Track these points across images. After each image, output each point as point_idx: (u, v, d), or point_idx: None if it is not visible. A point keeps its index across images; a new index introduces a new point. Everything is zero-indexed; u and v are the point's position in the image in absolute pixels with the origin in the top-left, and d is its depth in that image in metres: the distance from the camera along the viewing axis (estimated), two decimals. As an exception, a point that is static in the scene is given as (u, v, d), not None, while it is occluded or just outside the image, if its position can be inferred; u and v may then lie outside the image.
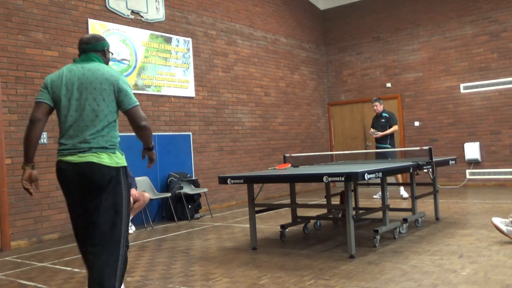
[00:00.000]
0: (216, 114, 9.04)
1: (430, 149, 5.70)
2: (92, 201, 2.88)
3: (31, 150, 3.04)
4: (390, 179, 9.04)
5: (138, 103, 3.07)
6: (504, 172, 9.87)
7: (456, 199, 8.14)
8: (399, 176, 8.55)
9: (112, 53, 3.30)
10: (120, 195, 2.93)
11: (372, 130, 8.69)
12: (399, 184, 8.09)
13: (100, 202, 2.86)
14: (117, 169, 2.93)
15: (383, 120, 8.71)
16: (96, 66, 2.99)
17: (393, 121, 8.69)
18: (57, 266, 4.84)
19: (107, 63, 3.14)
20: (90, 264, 2.83)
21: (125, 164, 3.03)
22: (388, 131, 8.57)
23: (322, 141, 11.96)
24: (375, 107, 8.77)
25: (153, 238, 6.19)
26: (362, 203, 7.74)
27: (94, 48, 3.08)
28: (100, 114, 2.93)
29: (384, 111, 8.80)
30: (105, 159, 2.90)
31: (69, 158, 2.91)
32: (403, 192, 8.64)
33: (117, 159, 2.96)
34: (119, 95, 2.98)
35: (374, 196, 8.93)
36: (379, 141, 8.68)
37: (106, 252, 2.81)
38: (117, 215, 2.89)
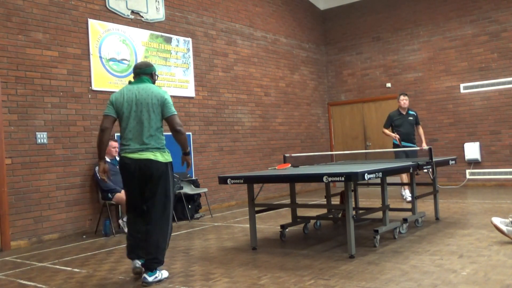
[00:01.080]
0: (216, 114, 9.04)
1: (430, 149, 5.70)
2: (150, 189, 3.95)
3: (103, 150, 4.06)
4: (396, 179, 9.00)
5: (176, 113, 4.09)
6: (504, 172, 9.87)
7: (456, 199, 8.14)
8: (404, 176, 8.13)
9: (157, 76, 4.37)
10: (168, 184, 4.01)
11: (396, 136, 8.01)
12: (403, 185, 7.93)
13: (156, 190, 3.95)
14: (166, 164, 4.02)
15: (411, 118, 8.23)
16: (148, 86, 4.07)
17: (419, 119, 8.40)
18: (57, 266, 4.84)
19: (154, 83, 4.20)
20: (148, 233, 3.95)
21: (171, 160, 4.09)
22: (422, 134, 8.35)
23: (322, 141, 11.96)
24: (404, 101, 8.22)
25: (153, 238, 6.18)
26: (362, 203, 7.73)
27: (144, 72, 4.16)
28: (151, 122, 4.00)
29: (409, 108, 8.37)
30: (159, 157, 3.99)
31: (132, 155, 3.96)
32: (408, 195, 8.26)
33: (166, 156, 4.05)
34: (163, 107, 4.03)
35: (404, 195, 8.33)
36: (411, 139, 8.14)
37: (160, 226, 3.93)
38: (167, 199, 3.99)
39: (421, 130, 8.40)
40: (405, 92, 8.60)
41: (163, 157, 4.02)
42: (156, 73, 4.29)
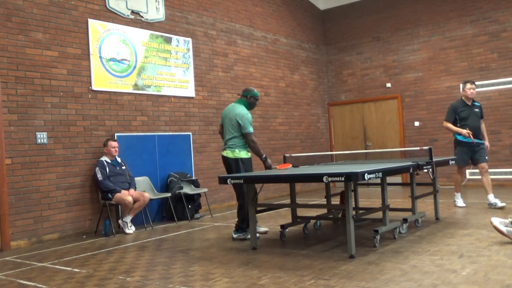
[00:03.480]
0: (216, 114, 9.03)
1: (430, 149, 5.69)
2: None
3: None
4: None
5: (250, 131, 5.58)
6: (504, 172, 9.87)
7: (456, 199, 8.13)
8: (485, 180, 7.05)
9: (254, 98, 5.81)
10: (238, 171, 5.51)
11: (469, 132, 6.88)
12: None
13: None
14: (236, 159, 5.59)
15: (477, 110, 7.09)
16: (235, 106, 5.76)
17: (483, 111, 7.28)
18: (57, 266, 4.84)
19: (249, 104, 5.79)
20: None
21: (242, 156, 5.59)
22: (485, 130, 7.22)
23: (322, 141, 11.96)
24: (471, 91, 7.04)
25: (153, 238, 6.19)
26: (362, 203, 7.73)
27: (243, 95, 5.84)
28: (230, 130, 5.67)
29: (473, 98, 7.18)
30: (229, 154, 5.63)
31: (222, 152, 5.75)
32: (495, 200, 6.97)
33: (235, 154, 5.60)
34: (239, 124, 5.59)
35: (491, 202, 7.02)
36: (478, 135, 7.06)
37: (240, 201, 5.68)
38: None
39: (483, 125, 7.24)
40: (471, 80, 7.38)
41: (232, 154, 5.60)
42: (253, 96, 5.80)
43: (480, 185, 9.98)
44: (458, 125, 7.10)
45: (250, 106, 5.80)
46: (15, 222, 6.07)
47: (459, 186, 7.36)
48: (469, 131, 6.89)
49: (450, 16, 10.56)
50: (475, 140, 6.89)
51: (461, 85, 7.26)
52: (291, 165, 6.06)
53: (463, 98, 7.19)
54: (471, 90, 7.04)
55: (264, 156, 5.61)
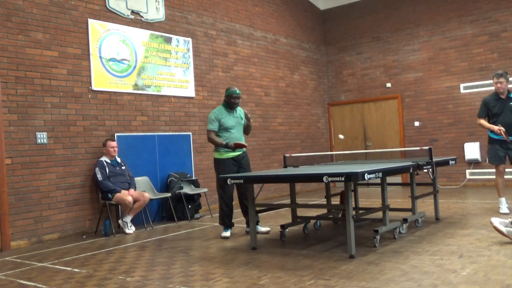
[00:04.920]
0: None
1: (430, 149, 5.69)
2: None
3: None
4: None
5: (207, 128, 5.88)
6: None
7: (456, 199, 8.14)
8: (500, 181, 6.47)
9: (229, 97, 5.91)
10: (215, 171, 6.00)
11: (501, 128, 6.23)
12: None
13: None
14: (214, 158, 5.97)
15: None
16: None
17: None
18: (57, 266, 4.84)
19: (227, 104, 5.94)
20: None
21: (215, 156, 5.93)
22: None
23: (322, 141, 11.96)
24: (498, 85, 6.37)
25: (153, 238, 6.19)
26: (362, 203, 7.73)
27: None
28: None
29: (509, 91, 6.47)
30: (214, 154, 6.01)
31: None
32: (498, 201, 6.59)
33: (214, 154, 5.95)
34: None
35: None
36: None
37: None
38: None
39: None
40: (500, 72, 6.48)
41: (215, 154, 5.95)
42: (228, 95, 5.89)
43: (480, 185, 10.02)
44: (490, 121, 6.50)
45: (228, 105, 5.95)
46: (15, 222, 6.07)
47: (502, 190, 6.46)
48: (501, 128, 6.25)
49: (450, 16, 10.56)
50: (510, 137, 6.24)
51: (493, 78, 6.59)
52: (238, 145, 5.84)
53: (495, 92, 6.52)
54: (498, 85, 6.37)
55: (224, 143, 5.75)
